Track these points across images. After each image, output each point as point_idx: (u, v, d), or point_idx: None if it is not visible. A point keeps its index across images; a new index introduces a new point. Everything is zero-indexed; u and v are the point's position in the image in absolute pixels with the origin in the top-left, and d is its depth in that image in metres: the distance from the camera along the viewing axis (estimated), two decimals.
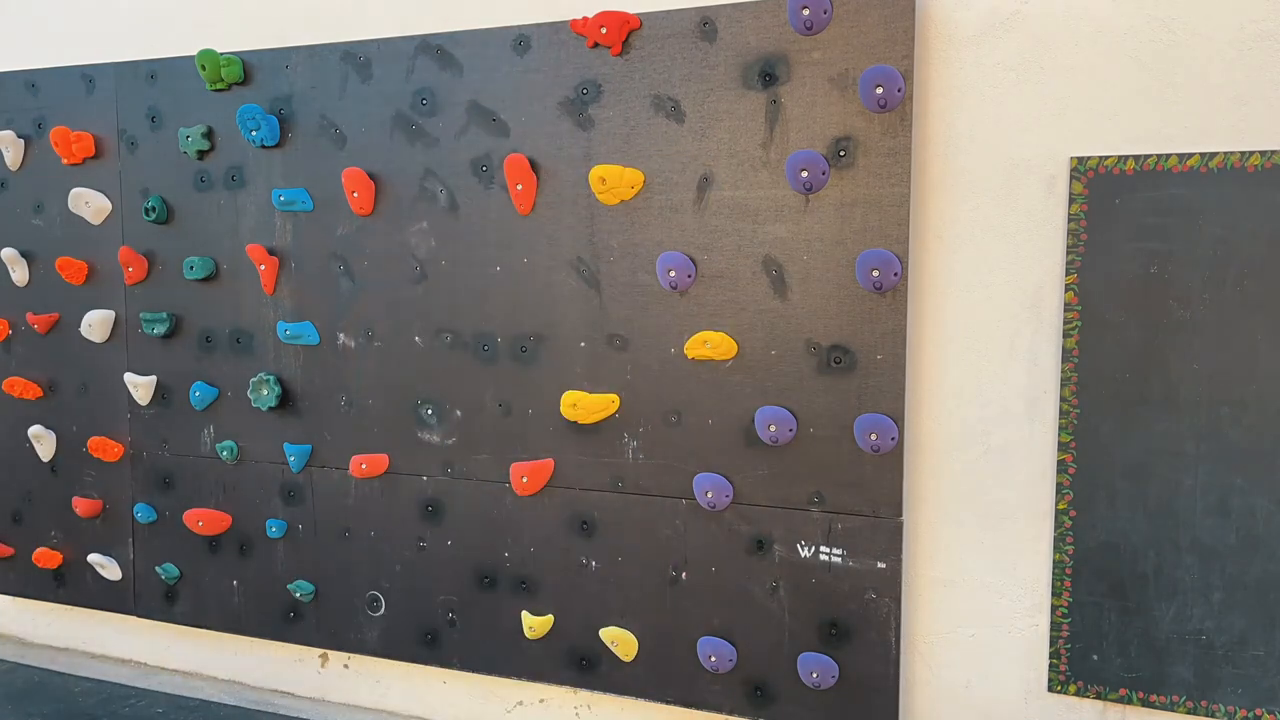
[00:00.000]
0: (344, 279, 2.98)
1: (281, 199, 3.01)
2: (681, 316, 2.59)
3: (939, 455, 2.50)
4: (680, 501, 2.64)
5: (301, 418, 3.09)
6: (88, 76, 3.29)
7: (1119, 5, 2.25)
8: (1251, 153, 2.15)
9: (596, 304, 2.68)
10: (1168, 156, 2.22)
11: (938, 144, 2.42)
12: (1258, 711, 2.25)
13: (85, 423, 3.42)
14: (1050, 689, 2.44)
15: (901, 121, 2.35)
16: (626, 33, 2.57)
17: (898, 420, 2.41)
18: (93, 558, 3.44)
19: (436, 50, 2.80)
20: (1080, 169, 2.28)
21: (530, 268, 2.75)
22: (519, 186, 2.71)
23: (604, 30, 2.56)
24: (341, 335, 3.00)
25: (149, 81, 3.19)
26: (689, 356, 2.59)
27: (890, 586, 2.47)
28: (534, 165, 2.70)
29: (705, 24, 2.50)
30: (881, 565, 2.47)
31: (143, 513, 3.33)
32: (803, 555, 2.54)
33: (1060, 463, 2.37)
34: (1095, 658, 2.38)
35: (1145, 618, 2.33)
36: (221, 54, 3.03)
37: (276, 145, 3.02)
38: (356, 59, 2.90)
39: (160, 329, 3.22)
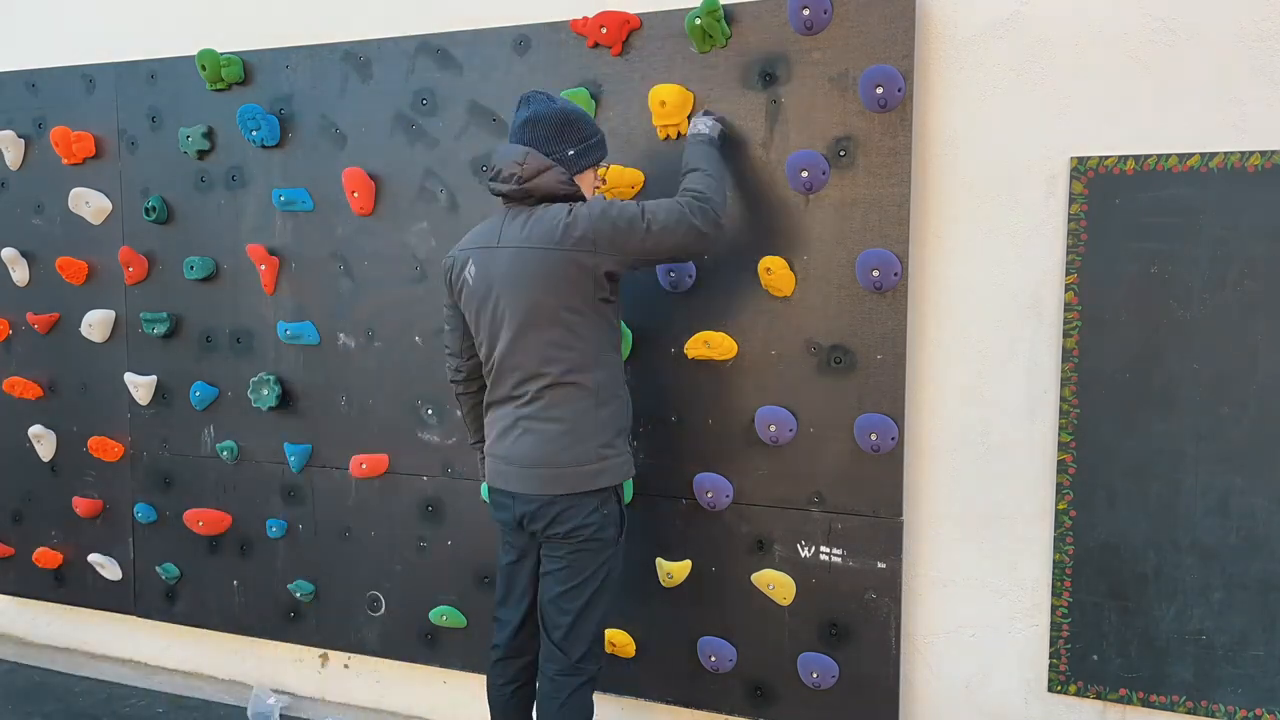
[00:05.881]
0: (344, 279, 2.98)
1: (281, 199, 3.01)
2: (681, 316, 2.59)
3: (939, 455, 2.50)
4: (680, 501, 2.64)
5: (301, 418, 3.09)
6: (88, 76, 3.29)
7: (1119, 5, 2.25)
8: (1251, 153, 2.15)
9: None
10: (1168, 156, 2.22)
11: (938, 144, 2.42)
12: (1258, 711, 2.25)
13: (85, 423, 3.42)
14: (1050, 689, 2.44)
15: (901, 121, 2.35)
16: (626, 33, 2.57)
17: (898, 420, 2.41)
18: (93, 558, 3.44)
19: (436, 50, 2.80)
20: (1080, 169, 2.28)
21: None
22: None
23: (604, 30, 2.56)
24: (341, 335, 3.00)
25: (149, 81, 3.19)
26: (689, 356, 2.58)
27: (890, 586, 2.46)
28: None
29: None
30: (881, 565, 2.47)
31: (143, 512, 3.33)
32: (803, 555, 2.54)
33: (1060, 463, 2.37)
34: (1095, 658, 2.38)
35: (1145, 618, 2.33)
36: (221, 54, 3.03)
37: (276, 145, 3.02)
38: (356, 59, 2.90)
39: (160, 329, 3.22)
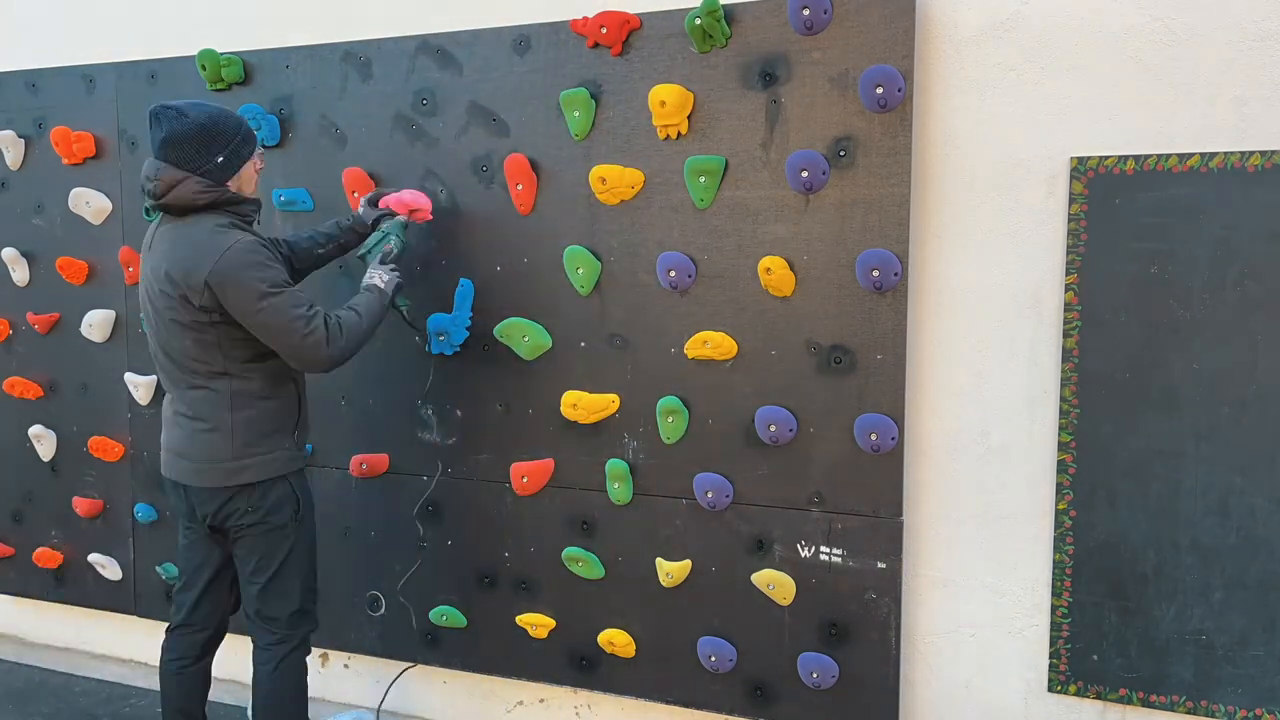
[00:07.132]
0: (344, 279, 2.98)
1: (281, 199, 3.01)
2: (681, 316, 2.59)
3: (939, 455, 2.50)
4: (680, 501, 2.64)
5: None
6: (88, 76, 3.29)
7: (1119, 5, 2.25)
8: (1251, 153, 2.16)
9: (597, 304, 2.68)
10: (1168, 156, 2.22)
11: (938, 144, 2.42)
12: (1258, 711, 2.26)
13: (85, 423, 3.42)
14: (1050, 689, 2.44)
15: (901, 121, 2.35)
16: (626, 33, 2.57)
17: (898, 420, 2.41)
18: (93, 558, 3.43)
19: (436, 50, 2.80)
20: (1080, 169, 2.28)
21: (530, 268, 2.75)
22: (519, 186, 2.71)
23: (604, 30, 2.56)
24: None
25: (149, 81, 3.19)
26: (689, 356, 2.58)
27: (890, 586, 2.46)
28: (534, 165, 2.70)
29: None
30: (881, 565, 2.47)
31: (143, 513, 3.33)
32: (803, 555, 2.54)
33: (1060, 463, 2.37)
34: (1095, 658, 2.38)
35: (1145, 618, 2.33)
36: (221, 54, 3.03)
37: (277, 145, 3.02)
38: (357, 59, 2.90)
39: None
